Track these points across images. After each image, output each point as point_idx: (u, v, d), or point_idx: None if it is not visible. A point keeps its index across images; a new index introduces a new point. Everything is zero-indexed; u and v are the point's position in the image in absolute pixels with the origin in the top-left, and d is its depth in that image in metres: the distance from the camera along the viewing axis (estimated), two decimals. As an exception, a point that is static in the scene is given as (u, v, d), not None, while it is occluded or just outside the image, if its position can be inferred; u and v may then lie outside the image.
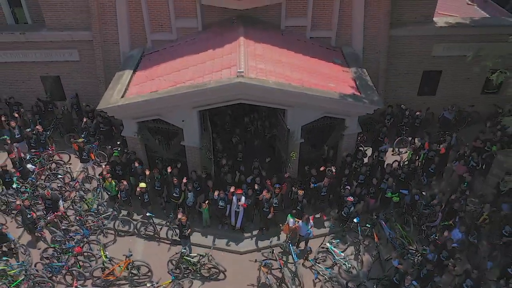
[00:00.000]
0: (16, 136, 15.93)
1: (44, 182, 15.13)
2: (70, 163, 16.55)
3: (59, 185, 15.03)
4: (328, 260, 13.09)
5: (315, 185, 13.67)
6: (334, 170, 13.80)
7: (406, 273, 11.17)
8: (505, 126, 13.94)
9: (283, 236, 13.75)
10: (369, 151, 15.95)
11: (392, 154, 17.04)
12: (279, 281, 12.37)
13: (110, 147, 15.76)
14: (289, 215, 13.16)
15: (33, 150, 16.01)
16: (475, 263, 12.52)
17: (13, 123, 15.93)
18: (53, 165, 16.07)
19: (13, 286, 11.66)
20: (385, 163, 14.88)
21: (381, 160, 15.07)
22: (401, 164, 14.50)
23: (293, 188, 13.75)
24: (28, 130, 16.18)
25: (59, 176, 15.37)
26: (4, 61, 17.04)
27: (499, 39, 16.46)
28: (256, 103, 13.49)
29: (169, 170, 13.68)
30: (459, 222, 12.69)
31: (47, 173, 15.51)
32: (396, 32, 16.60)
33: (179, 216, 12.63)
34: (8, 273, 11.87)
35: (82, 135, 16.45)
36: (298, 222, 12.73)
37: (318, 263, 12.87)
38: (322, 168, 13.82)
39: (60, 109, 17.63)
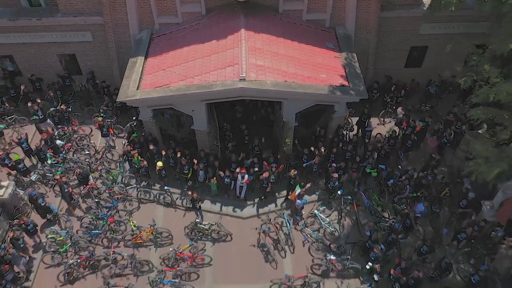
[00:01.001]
0: (41, 117, 17.73)
1: (73, 156, 17.48)
2: (92, 135, 18.77)
3: (86, 159, 17.38)
4: (315, 224, 15.93)
5: (307, 163, 16.05)
6: (323, 150, 16.03)
7: (376, 241, 14.03)
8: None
9: (279, 203, 16.48)
10: (355, 127, 18.11)
11: (377, 125, 19.13)
12: (275, 242, 15.34)
13: (130, 124, 17.79)
14: (297, 185, 15.63)
15: (59, 126, 18.08)
16: (436, 228, 15.44)
17: (35, 107, 17.46)
18: (78, 139, 18.25)
19: (62, 251, 14.63)
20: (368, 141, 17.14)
21: (365, 139, 17.30)
22: (381, 145, 16.68)
23: (288, 166, 16.12)
24: (52, 109, 18.08)
25: (86, 151, 17.65)
26: (22, 42, 18.39)
27: (481, 20, 17.80)
28: (256, 99, 15.33)
29: (178, 155, 15.91)
30: (423, 198, 15.30)
31: (75, 148, 17.78)
32: (387, 14, 17.75)
33: (191, 194, 15.25)
34: (58, 239, 14.75)
35: (101, 110, 18.45)
36: (296, 201, 15.31)
37: (307, 227, 15.72)
38: (313, 148, 16.05)
39: (78, 85, 19.37)
